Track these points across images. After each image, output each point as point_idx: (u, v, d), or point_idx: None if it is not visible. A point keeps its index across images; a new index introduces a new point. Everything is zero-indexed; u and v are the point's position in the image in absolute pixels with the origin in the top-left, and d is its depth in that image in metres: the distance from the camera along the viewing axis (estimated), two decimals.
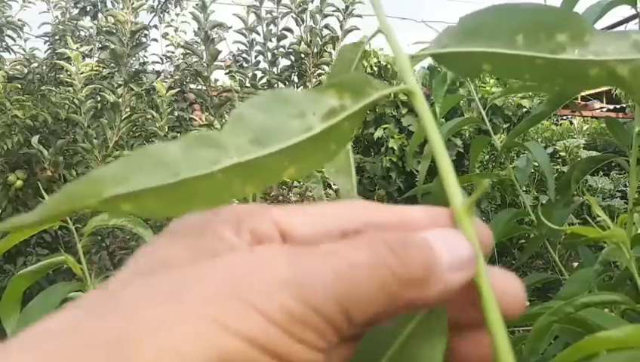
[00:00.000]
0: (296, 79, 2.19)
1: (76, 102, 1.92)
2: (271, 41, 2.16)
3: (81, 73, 1.90)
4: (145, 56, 2.40)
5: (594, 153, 2.76)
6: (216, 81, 2.24)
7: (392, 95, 2.81)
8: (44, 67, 2.30)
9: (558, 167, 2.74)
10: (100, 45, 2.30)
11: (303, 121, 0.19)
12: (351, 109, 0.20)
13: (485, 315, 0.19)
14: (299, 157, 0.19)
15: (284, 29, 2.16)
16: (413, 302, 0.17)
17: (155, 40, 2.47)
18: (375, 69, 2.73)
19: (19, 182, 1.94)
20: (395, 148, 2.48)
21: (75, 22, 2.43)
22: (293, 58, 2.17)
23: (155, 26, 2.51)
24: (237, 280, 0.15)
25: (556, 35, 0.20)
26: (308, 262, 0.16)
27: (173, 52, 2.43)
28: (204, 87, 2.08)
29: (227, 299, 0.14)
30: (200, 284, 0.14)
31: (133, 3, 2.00)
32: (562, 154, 2.90)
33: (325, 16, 2.14)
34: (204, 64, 2.03)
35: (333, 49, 2.18)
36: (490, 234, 0.20)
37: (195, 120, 2.20)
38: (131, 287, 0.15)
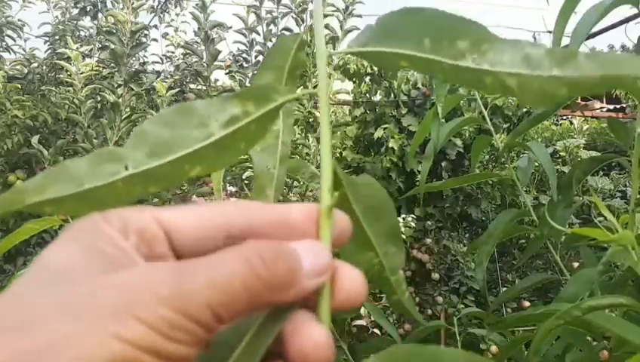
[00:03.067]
0: None
1: (76, 102, 1.92)
2: (271, 41, 2.16)
3: (81, 73, 1.90)
4: (145, 56, 2.40)
5: (594, 153, 2.76)
6: (216, 81, 2.24)
7: (392, 95, 2.79)
8: (44, 67, 2.30)
9: (558, 166, 2.74)
10: (100, 45, 2.30)
11: (203, 130, 0.22)
12: (255, 114, 0.23)
13: (319, 304, 0.22)
14: (201, 160, 0.22)
15: (284, 29, 2.16)
16: (275, 302, 0.20)
17: (155, 40, 2.47)
18: (375, 68, 2.73)
19: (18, 182, 1.94)
20: (395, 148, 2.48)
21: (75, 22, 2.43)
22: None
23: (155, 26, 2.51)
24: (128, 297, 0.18)
25: (457, 41, 0.21)
26: (187, 278, 0.19)
27: (173, 52, 2.43)
28: (204, 87, 2.08)
29: (120, 314, 0.17)
30: (98, 301, 0.17)
31: (133, 3, 2.00)
32: (562, 154, 2.90)
33: (325, 16, 2.14)
34: (204, 64, 2.03)
35: (334, 49, 2.18)
36: (348, 223, 0.24)
37: None
38: (40, 302, 0.17)
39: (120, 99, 1.92)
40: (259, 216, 0.22)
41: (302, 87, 2.19)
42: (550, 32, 0.67)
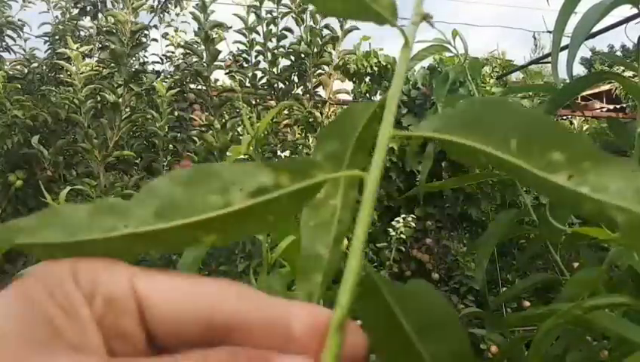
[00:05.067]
0: (296, 79, 2.19)
1: (76, 102, 1.92)
2: (271, 41, 2.16)
3: (81, 73, 1.90)
4: (145, 56, 2.40)
5: None
6: (216, 81, 2.24)
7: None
8: (44, 67, 2.30)
9: None
10: (100, 45, 2.30)
11: (222, 198, 0.19)
12: (289, 188, 0.20)
13: None
14: (218, 228, 0.19)
15: (284, 29, 2.16)
16: None
17: (155, 40, 2.47)
18: (375, 68, 2.74)
19: (19, 182, 1.94)
20: (395, 148, 2.48)
21: (75, 22, 2.43)
22: (293, 58, 2.16)
23: (155, 26, 2.51)
24: None
25: (552, 152, 0.18)
26: None
27: (173, 52, 2.43)
28: (204, 87, 2.08)
29: None
30: None
31: (133, 3, 2.00)
32: None
33: (325, 16, 2.14)
34: (204, 64, 2.03)
35: (333, 49, 2.18)
36: (364, 345, 0.19)
37: (195, 120, 2.20)
38: None
39: (120, 99, 1.93)
40: (251, 311, 0.18)
41: (302, 87, 2.19)
42: (550, 32, 0.67)
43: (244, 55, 2.19)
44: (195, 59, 2.18)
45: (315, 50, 2.12)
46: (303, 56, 2.13)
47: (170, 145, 2.10)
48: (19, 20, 2.43)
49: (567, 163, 0.18)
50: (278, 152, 2.08)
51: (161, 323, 0.18)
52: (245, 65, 2.19)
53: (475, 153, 0.20)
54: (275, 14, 2.14)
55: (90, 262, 0.18)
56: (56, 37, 2.36)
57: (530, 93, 2.64)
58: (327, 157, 0.24)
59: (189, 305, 0.18)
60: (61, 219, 0.19)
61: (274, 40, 2.16)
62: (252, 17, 2.13)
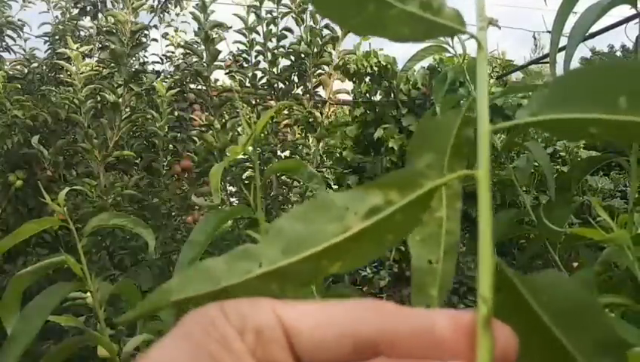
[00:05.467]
0: (296, 79, 2.19)
1: (76, 102, 1.92)
2: (271, 41, 2.16)
3: (81, 73, 1.90)
4: (145, 56, 2.40)
5: (594, 153, 2.76)
6: (216, 81, 2.24)
7: (392, 95, 2.78)
8: (44, 67, 2.30)
9: (558, 167, 2.74)
10: (100, 45, 2.30)
11: (340, 224, 0.20)
12: (400, 203, 0.20)
13: None
14: (340, 255, 0.20)
15: (284, 29, 2.16)
16: None
17: (155, 40, 2.47)
18: (375, 68, 2.73)
19: (19, 182, 1.94)
20: (395, 148, 2.48)
21: (75, 22, 2.44)
22: (293, 58, 2.16)
23: (155, 26, 2.51)
24: None
25: None
26: None
27: (173, 52, 2.43)
28: (204, 87, 2.08)
29: None
30: None
31: (133, 3, 2.00)
32: (562, 154, 2.90)
33: (325, 16, 2.14)
34: (204, 64, 2.03)
35: (333, 49, 2.18)
36: (514, 339, 0.19)
37: (195, 120, 2.20)
38: None
39: (120, 99, 1.93)
40: (395, 323, 0.18)
41: (302, 87, 2.19)
42: (550, 32, 0.67)
43: (244, 55, 2.19)
44: (195, 59, 2.18)
45: (315, 50, 2.12)
46: (303, 56, 2.13)
47: (170, 145, 2.10)
48: (19, 20, 2.43)
49: None
50: (278, 152, 2.08)
51: (309, 349, 0.19)
52: (245, 65, 2.19)
53: (583, 126, 0.19)
54: (275, 14, 2.14)
55: (236, 301, 0.20)
56: (56, 37, 2.37)
57: (530, 93, 2.63)
58: (427, 168, 0.24)
59: (334, 329, 0.19)
60: (204, 273, 0.21)
61: (274, 40, 2.16)
62: (252, 17, 2.13)
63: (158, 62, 2.44)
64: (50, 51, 2.36)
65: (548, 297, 0.21)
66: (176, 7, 2.58)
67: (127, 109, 1.99)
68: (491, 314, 0.18)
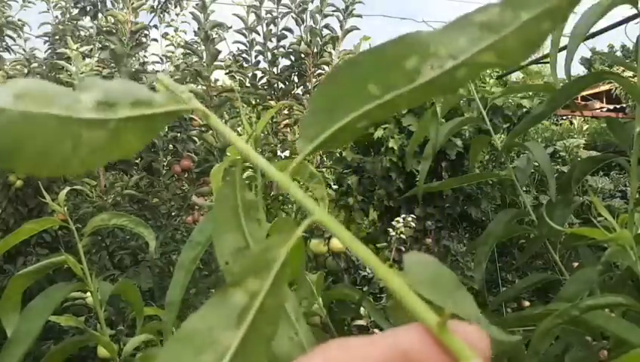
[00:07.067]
0: (296, 79, 2.19)
1: None
2: (271, 41, 2.16)
3: (81, 73, 1.90)
4: (145, 56, 2.40)
5: (594, 153, 2.77)
6: (216, 81, 2.24)
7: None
8: (44, 67, 2.30)
9: (558, 166, 2.74)
10: (100, 45, 2.30)
11: (212, 352, 0.18)
12: (264, 288, 0.19)
13: None
14: None
15: (284, 29, 2.16)
16: None
17: (155, 40, 2.47)
18: None
19: (19, 182, 1.94)
20: (395, 148, 2.48)
21: (75, 22, 2.43)
22: (293, 58, 2.16)
23: (155, 26, 2.51)
24: None
25: (404, 63, 0.19)
26: None
27: (173, 52, 2.43)
28: (204, 87, 2.08)
29: None
30: None
31: (133, 3, 2.00)
32: (562, 154, 2.90)
33: (325, 16, 2.14)
34: (204, 64, 2.03)
35: (333, 49, 2.18)
36: (486, 339, 0.19)
37: (195, 120, 2.20)
38: None
39: None
40: (365, 358, 0.18)
41: (302, 87, 2.19)
42: None
43: (244, 55, 2.19)
44: (195, 59, 2.18)
45: (315, 50, 2.12)
46: (302, 56, 2.13)
47: (170, 145, 2.10)
48: (19, 20, 2.43)
49: (421, 61, 0.19)
50: (278, 152, 2.08)
51: None
52: (245, 65, 2.19)
53: (354, 124, 0.20)
54: (275, 14, 2.14)
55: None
56: (56, 37, 2.36)
57: (530, 93, 2.64)
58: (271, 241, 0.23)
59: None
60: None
61: (274, 40, 2.16)
62: (252, 17, 2.13)
63: (158, 62, 2.44)
64: (50, 51, 2.36)
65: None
66: (176, 7, 2.58)
67: None
68: (447, 316, 0.18)
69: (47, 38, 2.40)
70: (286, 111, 2.14)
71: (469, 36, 0.19)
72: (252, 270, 0.19)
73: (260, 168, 0.22)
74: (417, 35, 0.19)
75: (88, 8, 2.43)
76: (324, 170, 2.33)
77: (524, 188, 1.02)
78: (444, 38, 0.19)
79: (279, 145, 2.08)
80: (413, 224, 2.20)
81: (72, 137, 0.19)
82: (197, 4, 2.03)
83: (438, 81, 0.19)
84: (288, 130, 2.23)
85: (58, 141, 0.18)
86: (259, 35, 2.14)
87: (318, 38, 2.11)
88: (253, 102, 2.14)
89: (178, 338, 0.18)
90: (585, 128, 3.74)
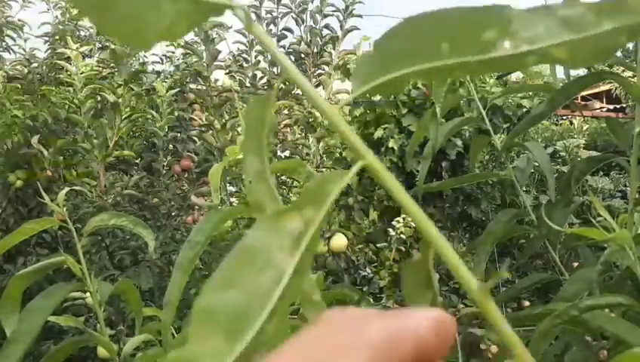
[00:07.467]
0: None
1: (76, 102, 1.92)
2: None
3: (81, 73, 1.90)
4: (145, 56, 2.40)
5: (594, 153, 2.76)
6: (216, 81, 2.24)
7: (392, 96, 2.79)
8: (44, 67, 2.30)
9: (558, 167, 2.74)
10: (100, 45, 2.30)
11: (272, 270, 0.19)
12: (319, 217, 0.20)
13: None
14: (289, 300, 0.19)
15: (284, 29, 2.16)
16: None
17: None
18: None
19: (19, 182, 1.94)
20: (395, 148, 2.47)
21: (75, 22, 2.43)
22: (293, 58, 2.16)
23: None
24: None
25: (483, 33, 0.19)
26: None
27: (173, 52, 2.43)
28: (204, 87, 2.08)
29: None
30: None
31: None
32: (562, 154, 2.90)
33: (325, 16, 2.14)
34: (204, 64, 2.03)
35: (333, 49, 2.18)
36: (453, 332, 0.19)
37: (195, 120, 2.20)
38: None
39: (120, 99, 1.93)
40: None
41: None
42: None
43: (244, 55, 2.19)
44: (195, 59, 2.18)
45: (315, 50, 2.12)
46: (303, 56, 2.13)
47: (170, 145, 2.10)
48: (19, 20, 2.43)
49: (500, 34, 0.19)
50: (278, 152, 2.08)
51: None
52: (245, 65, 2.19)
53: (406, 79, 0.20)
54: (275, 14, 2.14)
55: None
56: (57, 37, 2.36)
57: (530, 93, 2.64)
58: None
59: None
60: None
61: (274, 40, 2.16)
62: (252, 17, 2.13)
63: (158, 62, 2.44)
64: (50, 51, 2.36)
65: None
66: None
67: (127, 109, 1.99)
68: (489, 284, 0.19)
69: (47, 38, 2.40)
70: (286, 112, 2.14)
71: (548, 26, 0.19)
72: (311, 200, 0.20)
73: (308, 95, 0.23)
74: (502, 9, 0.19)
75: None
76: (324, 170, 2.33)
77: (524, 188, 1.02)
78: (526, 21, 0.19)
79: (279, 146, 2.08)
80: (413, 224, 2.20)
81: (155, 9, 0.21)
82: None
83: (507, 60, 0.19)
84: (288, 130, 2.23)
85: (145, 9, 0.21)
86: None
87: (318, 38, 2.11)
88: None
89: (236, 255, 0.19)
90: (585, 128, 3.74)
